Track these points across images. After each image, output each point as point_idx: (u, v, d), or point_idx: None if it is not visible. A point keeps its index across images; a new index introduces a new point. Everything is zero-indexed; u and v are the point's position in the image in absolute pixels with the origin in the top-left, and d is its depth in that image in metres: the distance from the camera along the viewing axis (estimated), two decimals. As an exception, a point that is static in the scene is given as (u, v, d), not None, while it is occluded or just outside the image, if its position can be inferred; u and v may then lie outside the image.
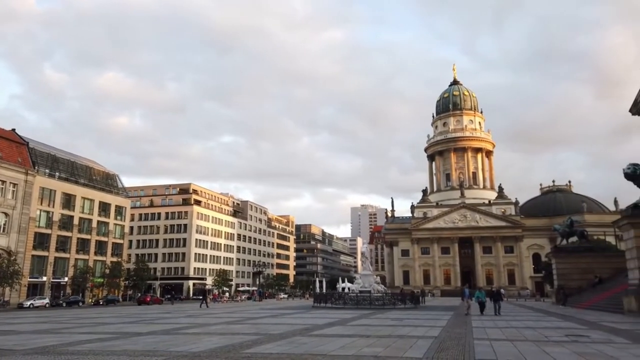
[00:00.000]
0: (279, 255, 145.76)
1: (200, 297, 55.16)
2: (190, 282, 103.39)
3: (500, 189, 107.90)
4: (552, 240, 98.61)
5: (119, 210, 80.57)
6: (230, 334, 16.88)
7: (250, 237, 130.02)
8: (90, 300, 68.60)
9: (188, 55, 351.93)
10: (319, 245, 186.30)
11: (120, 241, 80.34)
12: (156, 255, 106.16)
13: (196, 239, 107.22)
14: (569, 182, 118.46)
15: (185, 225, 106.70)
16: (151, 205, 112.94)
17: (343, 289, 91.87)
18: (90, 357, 11.13)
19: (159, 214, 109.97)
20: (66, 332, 19.00)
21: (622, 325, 18.71)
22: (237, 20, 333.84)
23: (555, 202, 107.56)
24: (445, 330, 17.35)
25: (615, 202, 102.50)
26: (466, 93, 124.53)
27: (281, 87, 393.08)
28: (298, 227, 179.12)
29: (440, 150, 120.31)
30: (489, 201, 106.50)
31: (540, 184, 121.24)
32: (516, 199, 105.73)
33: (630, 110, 49.67)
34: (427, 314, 29.44)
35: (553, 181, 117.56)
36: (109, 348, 12.78)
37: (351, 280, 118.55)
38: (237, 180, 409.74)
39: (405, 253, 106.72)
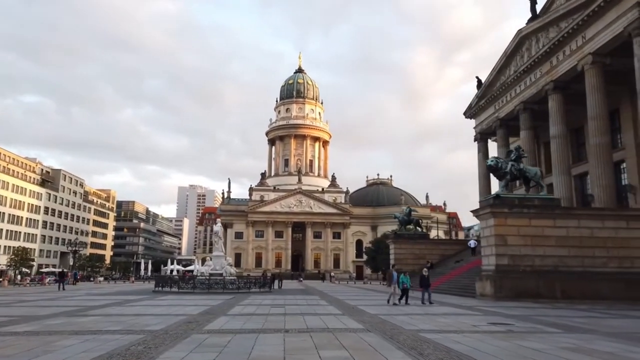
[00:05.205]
0: (94, 234, 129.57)
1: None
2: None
3: (333, 178, 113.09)
4: (374, 228, 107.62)
5: None
6: (90, 332, 12.13)
7: (61, 212, 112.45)
8: None
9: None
10: (142, 225, 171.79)
11: None
12: None
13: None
14: (391, 176, 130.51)
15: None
16: None
17: (171, 271, 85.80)
18: None
19: None
20: None
21: (511, 311, 18.93)
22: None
23: (379, 194, 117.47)
24: (360, 321, 15.46)
25: (427, 197, 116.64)
26: (309, 82, 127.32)
27: (102, 51, 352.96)
28: (120, 204, 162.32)
29: (281, 136, 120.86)
30: (323, 189, 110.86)
31: (367, 177, 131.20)
32: (347, 188, 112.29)
33: (465, 114, 55.49)
34: (295, 298, 27.62)
35: (378, 174, 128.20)
36: None
37: (179, 262, 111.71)
38: (40, 147, 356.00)
39: (239, 235, 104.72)
